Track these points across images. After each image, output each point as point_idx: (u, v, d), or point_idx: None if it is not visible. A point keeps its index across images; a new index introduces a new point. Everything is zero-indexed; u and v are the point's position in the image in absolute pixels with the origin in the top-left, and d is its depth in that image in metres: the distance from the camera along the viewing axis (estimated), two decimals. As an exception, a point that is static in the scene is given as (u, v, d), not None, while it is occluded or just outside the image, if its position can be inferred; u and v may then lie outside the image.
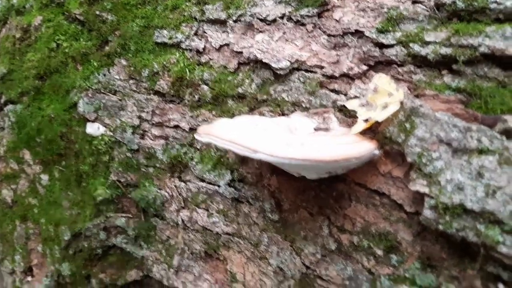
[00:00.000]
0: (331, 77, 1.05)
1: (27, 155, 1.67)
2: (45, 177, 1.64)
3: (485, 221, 0.74)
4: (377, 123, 0.92)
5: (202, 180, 1.29)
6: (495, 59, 0.85)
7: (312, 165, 0.85)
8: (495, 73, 0.85)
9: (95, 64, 1.50)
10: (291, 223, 1.10)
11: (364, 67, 1.01)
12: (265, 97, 1.15)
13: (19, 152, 1.69)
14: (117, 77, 1.46)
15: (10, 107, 1.68)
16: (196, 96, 1.29)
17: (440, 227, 0.79)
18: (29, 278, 1.72)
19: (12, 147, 1.70)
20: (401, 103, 0.87)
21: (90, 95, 1.48)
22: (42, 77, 1.60)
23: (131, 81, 1.44)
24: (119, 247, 1.52)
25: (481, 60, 0.86)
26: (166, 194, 1.36)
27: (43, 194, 1.65)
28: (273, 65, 1.12)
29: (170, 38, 1.36)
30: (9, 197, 1.72)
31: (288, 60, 1.10)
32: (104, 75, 1.47)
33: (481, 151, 0.77)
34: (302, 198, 1.08)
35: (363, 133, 0.94)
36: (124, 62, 1.45)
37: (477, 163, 0.77)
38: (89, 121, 1.49)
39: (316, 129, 0.97)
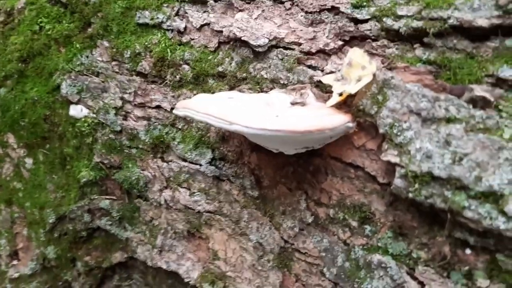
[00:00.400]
0: (308, 53, 1.06)
1: (11, 139, 1.67)
2: (29, 161, 1.65)
3: (452, 187, 0.76)
4: (352, 97, 0.93)
5: (184, 160, 1.30)
6: (463, 31, 0.86)
7: (287, 137, 0.86)
8: (463, 45, 0.87)
9: (77, 46, 1.50)
10: (270, 199, 1.11)
11: (340, 43, 1.02)
12: (244, 75, 1.16)
13: (3, 136, 1.69)
14: (99, 58, 1.46)
15: (-7, 90, 1.67)
16: (178, 76, 1.30)
17: (410, 195, 0.81)
18: (15, 262, 1.72)
19: (-4, 131, 1.70)
20: (374, 75, 0.88)
21: (73, 77, 1.48)
22: (25, 60, 1.59)
23: (113, 63, 1.44)
24: (103, 229, 1.53)
25: (450, 32, 0.87)
26: (149, 174, 1.37)
27: (28, 177, 1.66)
28: (252, 42, 1.13)
29: (152, 18, 1.36)
30: (-6, 181, 1.72)
31: (266, 38, 1.11)
32: (87, 57, 1.47)
33: (449, 120, 0.79)
34: (281, 174, 1.10)
35: (339, 107, 0.95)
36: (106, 43, 1.45)
37: (444, 131, 0.79)
38: (72, 103, 1.49)
39: (292, 103, 0.98)
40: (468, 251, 0.80)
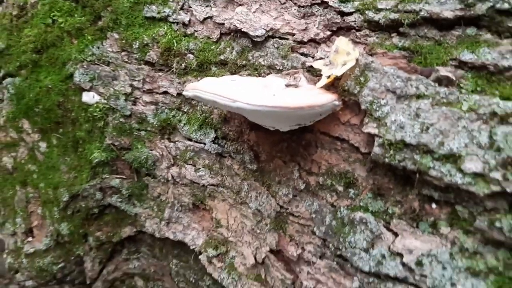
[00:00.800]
0: (301, 42, 1.21)
1: (26, 124, 1.79)
2: (43, 145, 1.77)
3: (420, 151, 0.91)
4: (338, 79, 1.08)
5: (189, 139, 1.44)
6: (433, 21, 1.01)
7: (283, 112, 1.00)
8: (433, 33, 1.02)
9: (89, 38, 1.62)
10: (267, 171, 1.26)
11: (328, 33, 1.17)
12: (244, 62, 1.30)
13: (18, 122, 1.81)
14: (110, 49, 1.59)
15: (8, 80, 1.78)
16: (183, 64, 1.43)
17: (386, 160, 0.96)
18: (30, 239, 1.84)
19: (12, 117, 1.81)
20: (357, 60, 1.03)
21: (85, 66, 1.61)
22: (39, 51, 1.71)
23: (123, 53, 1.57)
24: (114, 206, 1.66)
25: (422, 23, 1.02)
26: (157, 154, 1.51)
27: (42, 160, 1.78)
28: (251, 33, 1.27)
29: (159, 12, 1.49)
30: (10, 164, 1.84)
31: (264, 29, 1.26)
32: (98, 47, 1.60)
33: (419, 96, 0.94)
34: (277, 149, 1.24)
35: (328, 89, 1.10)
36: (116, 35, 1.58)
37: (415, 106, 0.94)
38: (84, 90, 1.62)
39: (287, 86, 1.12)
40: (433, 205, 0.95)
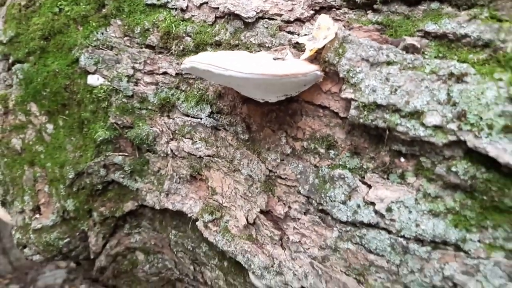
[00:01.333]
0: (288, 21, 1.33)
1: (33, 108, 1.91)
2: (50, 126, 1.88)
3: (389, 111, 1.04)
4: (320, 52, 1.20)
5: (187, 115, 1.56)
6: (402, -2, 1.14)
7: (270, 80, 1.12)
8: (402, 9, 1.14)
9: (93, 24, 1.74)
10: (258, 140, 1.38)
11: (312, 12, 1.29)
12: (237, 42, 1.43)
13: (26, 105, 1.92)
14: (113, 35, 1.71)
15: (17, 66, 1.89)
16: (181, 46, 1.56)
17: (361, 120, 1.08)
18: (37, 215, 1.94)
19: (20, 101, 1.93)
20: (336, 34, 1.15)
21: (90, 51, 1.73)
22: (47, 37, 1.83)
23: (125, 38, 1.69)
24: (117, 182, 1.78)
25: (393, 0, 1.15)
26: (157, 130, 1.63)
27: (49, 141, 1.89)
28: (243, 15, 1.39)
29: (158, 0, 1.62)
30: (18, 145, 1.96)
31: (254, 11, 1.38)
32: (102, 33, 1.72)
33: (389, 63, 1.06)
34: (266, 120, 1.36)
35: (311, 62, 1.22)
36: (119, 22, 1.70)
37: (385, 71, 1.06)
38: (89, 73, 1.74)
39: (274, 59, 1.25)
40: (402, 159, 1.07)
